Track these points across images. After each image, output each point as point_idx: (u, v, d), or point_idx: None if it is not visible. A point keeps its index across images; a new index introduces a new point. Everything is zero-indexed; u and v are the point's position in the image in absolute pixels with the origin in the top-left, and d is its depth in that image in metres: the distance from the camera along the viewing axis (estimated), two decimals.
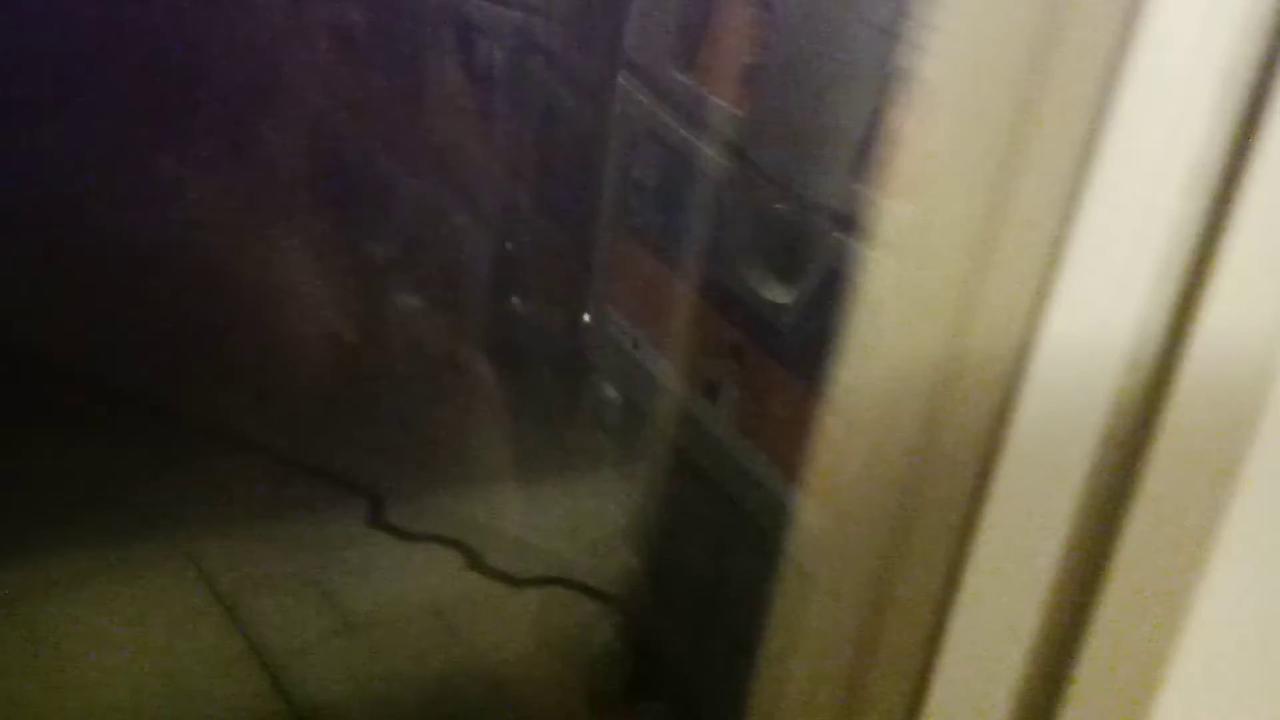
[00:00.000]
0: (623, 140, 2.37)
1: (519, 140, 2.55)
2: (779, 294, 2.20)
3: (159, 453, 3.02)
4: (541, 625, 2.90)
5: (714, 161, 2.26)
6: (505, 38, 2.47)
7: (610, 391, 2.48)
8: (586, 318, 2.41)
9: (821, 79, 2.19)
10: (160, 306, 3.14)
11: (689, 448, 2.30)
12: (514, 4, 2.45)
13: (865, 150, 2.11)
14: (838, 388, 0.99)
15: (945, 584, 0.90)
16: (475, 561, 3.02)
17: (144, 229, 3.18)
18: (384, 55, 2.77)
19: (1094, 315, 0.78)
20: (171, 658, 2.69)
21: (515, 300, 2.70)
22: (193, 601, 2.78)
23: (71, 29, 3.45)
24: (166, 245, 3.09)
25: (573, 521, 2.93)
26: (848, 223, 2.12)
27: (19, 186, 3.35)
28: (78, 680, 2.58)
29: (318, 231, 2.95)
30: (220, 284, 3.14)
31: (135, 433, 3.06)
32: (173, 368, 3.03)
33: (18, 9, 3.50)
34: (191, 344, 3.13)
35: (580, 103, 2.42)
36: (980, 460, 0.86)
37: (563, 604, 2.92)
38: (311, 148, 2.90)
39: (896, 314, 0.93)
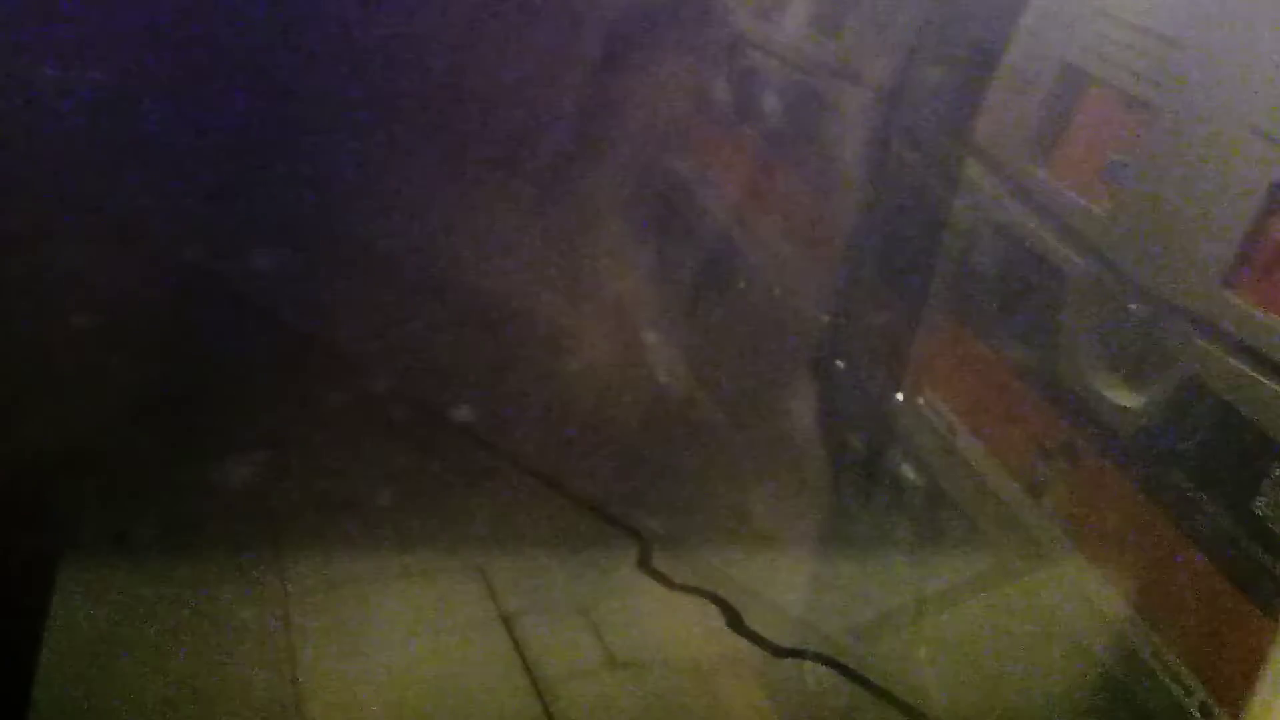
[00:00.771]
0: (964, 226, 2.36)
1: (859, 213, 2.59)
2: (1125, 397, 2.10)
3: (464, 471, 3.25)
4: (797, 700, 2.85)
5: (1062, 256, 2.21)
6: (854, 116, 2.54)
7: (913, 473, 2.44)
8: (900, 396, 2.40)
9: (1195, 181, 2.11)
10: (492, 345, 3.41)
11: (998, 542, 2.22)
12: (864, 83, 2.52)
13: (1241, 258, 2.00)
14: None
15: None
16: (735, 621, 3.03)
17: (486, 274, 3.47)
18: (737, 125, 2.91)
19: None
20: (450, 663, 2.83)
21: (839, 364, 2.71)
22: (476, 613, 2.95)
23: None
24: (505, 293, 3.34)
25: (848, 599, 2.88)
26: (1213, 330, 2.01)
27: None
28: (363, 670, 2.76)
29: (644, 288, 3.11)
30: (550, 332, 3.36)
31: (446, 450, 3.32)
32: (491, 398, 3.27)
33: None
34: (512, 378, 3.37)
35: (924, 185, 2.44)
36: None
37: (822, 682, 2.87)
38: (658, 210, 3.08)
39: None
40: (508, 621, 2.93)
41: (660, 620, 3.05)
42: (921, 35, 2.58)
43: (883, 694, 2.65)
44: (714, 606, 3.08)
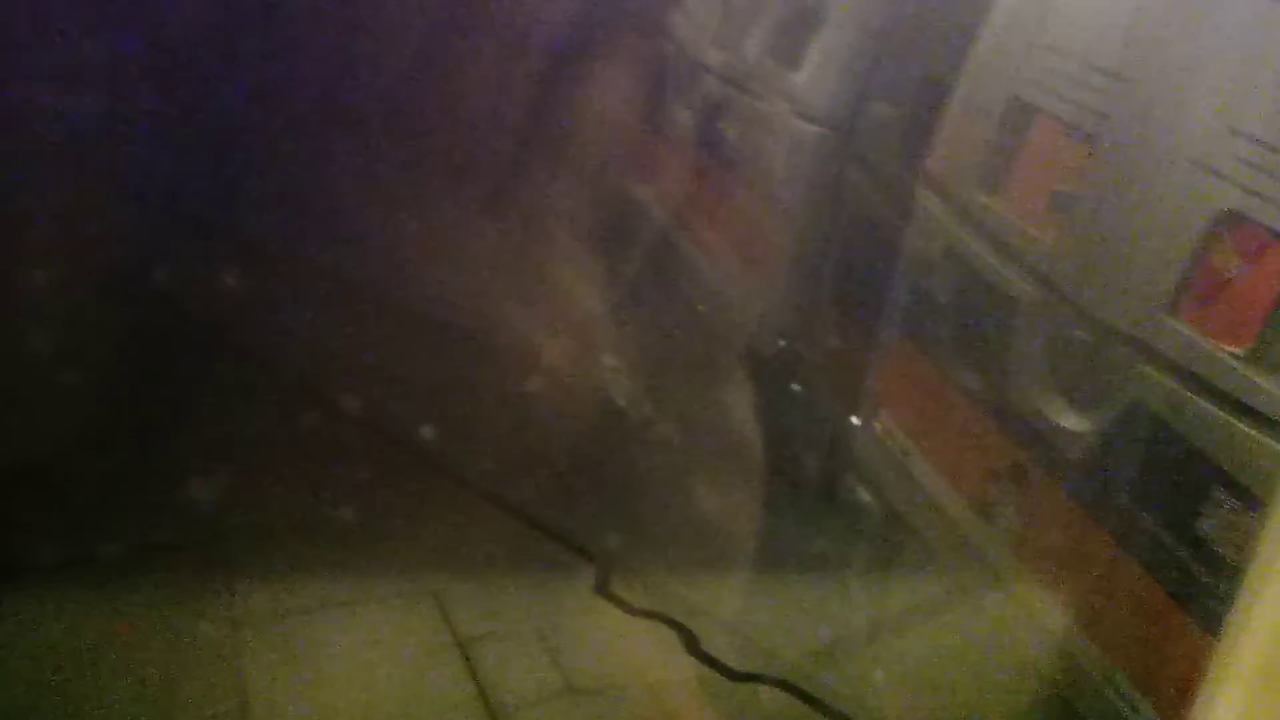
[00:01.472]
0: (916, 253, 2.41)
1: (814, 241, 2.64)
2: (1072, 420, 2.15)
3: (419, 494, 3.22)
4: None
5: (1011, 283, 2.26)
6: (808, 143, 2.59)
7: (867, 496, 2.47)
8: (855, 419, 2.43)
9: (1139, 211, 2.17)
10: (447, 366, 3.40)
11: (951, 564, 2.26)
12: (817, 120, 2.57)
13: (1182, 286, 2.07)
14: (1242, 618, 0.94)
15: None
16: (693, 645, 3.03)
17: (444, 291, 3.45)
18: (703, 151, 2.95)
19: None
20: (405, 690, 2.80)
21: (795, 388, 2.75)
22: (432, 640, 2.91)
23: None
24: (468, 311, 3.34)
25: (804, 623, 2.90)
26: (1156, 356, 2.07)
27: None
28: (320, 698, 2.72)
29: (599, 312, 3.13)
30: (506, 352, 3.35)
31: (401, 473, 3.29)
32: (445, 420, 3.25)
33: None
34: (466, 399, 3.36)
35: (877, 212, 2.49)
36: None
37: (778, 705, 2.87)
38: (622, 228, 3.11)
39: None
40: (463, 647, 2.90)
41: (617, 645, 3.03)
42: (875, 67, 2.65)
43: (839, 717, 2.67)
44: (671, 630, 3.07)
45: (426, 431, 3.38)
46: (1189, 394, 1.91)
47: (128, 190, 3.94)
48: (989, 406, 2.24)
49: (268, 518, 3.19)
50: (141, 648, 2.64)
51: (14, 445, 2.97)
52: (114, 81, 4.16)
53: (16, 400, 3.20)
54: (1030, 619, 2.07)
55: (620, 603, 3.15)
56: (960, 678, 2.24)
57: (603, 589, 3.18)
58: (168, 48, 4.08)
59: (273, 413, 3.41)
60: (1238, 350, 1.87)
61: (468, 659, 2.86)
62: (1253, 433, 1.76)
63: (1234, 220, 1.96)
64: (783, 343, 2.75)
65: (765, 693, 2.90)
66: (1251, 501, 1.74)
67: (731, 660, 2.98)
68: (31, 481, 2.97)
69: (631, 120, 3.19)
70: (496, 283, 3.62)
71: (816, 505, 2.73)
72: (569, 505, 3.24)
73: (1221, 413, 1.83)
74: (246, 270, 3.78)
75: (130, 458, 3.15)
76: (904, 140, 2.54)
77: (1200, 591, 1.77)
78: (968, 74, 2.46)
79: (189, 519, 3.08)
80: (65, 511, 3.02)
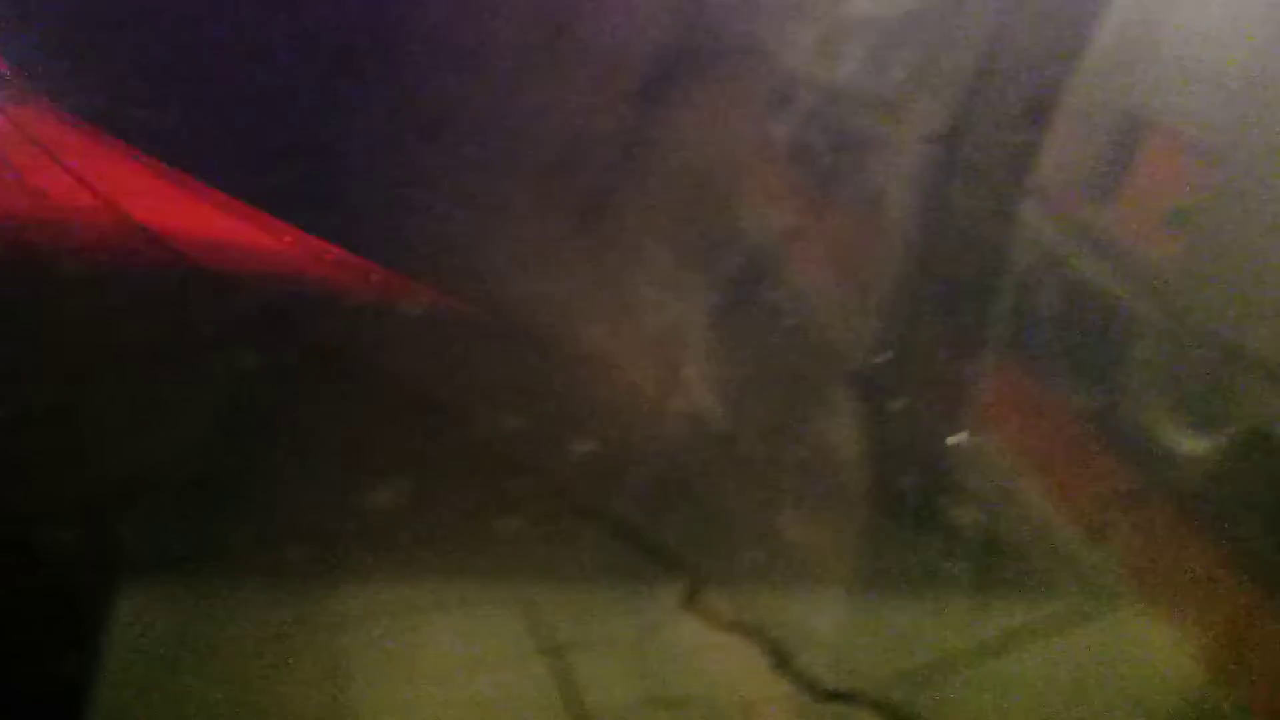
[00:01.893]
0: (1023, 267, 2.36)
1: (920, 253, 2.60)
2: (1190, 444, 2.08)
3: (510, 502, 3.26)
4: None
5: (1125, 300, 2.20)
6: (911, 156, 2.56)
7: (970, 516, 2.42)
8: (957, 438, 2.38)
9: (1262, 226, 2.09)
10: (539, 374, 3.45)
11: (1059, 588, 2.19)
12: (921, 124, 2.53)
13: None
14: None
15: None
16: (783, 661, 3.00)
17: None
18: (788, 163, 2.95)
19: None
20: (496, 693, 2.82)
21: (892, 405, 2.71)
22: (522, 646, 2.94)
23: None
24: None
25: (899, 644, 2.84)
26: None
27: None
28: (407, 699, 2.76)
29: (693, 321, 3.13)
30: (597, 361, 3.37)
31: (491, 480, 3.34)
32: (537, 427, 3.29)
33: None
34: (558, 407, 3.40)
35: (984, 227, 2.45)
36: None
37: None
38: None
39: None
40: (552, 654, 2.91)
41: (705, 658, 3.01)
42: (982, 77, 2.60)
43: None
44: (760, 646, 3.04)
45: (516, 440, 3.43)
46: None
47: None
48: (1103, 427, 2.17)
49: (363, 522, 3.27)
50: (243, 646, 2.74)
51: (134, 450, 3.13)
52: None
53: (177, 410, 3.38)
54: (1146, 648, 1.99)
55: (709, 616, 3.13)
56: (1070, 709, 2.16)
57: (692, 601, 3.17)
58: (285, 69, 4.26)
59: (374, 418, 3.50)
60: None
61: (556, 667, 2.88)
62: None
63: None
64: (884, 357, 2.70)
65: (855, 713, 2.85)
66: None
67: (823, 678, 2.94)
68: (144, 483, 3.12)
69: (734, 137, 3.20)
70: (588, 293, 3.66)
71: (915, 525, 2.67)
72: (660, 518, 3.23)
73: None
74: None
75: (238, 462, 3.28)
76: (1013, 152, 2.49)
77: None
78: (1079, 87, 2.41)
79: (287, 522, 3.19)
80: (173, 514, 3.16)
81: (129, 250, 4.49)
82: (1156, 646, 1.95)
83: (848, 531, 2.93)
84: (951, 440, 2.44)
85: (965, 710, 2.50)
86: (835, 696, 2.89)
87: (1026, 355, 2.37)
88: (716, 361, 3.29)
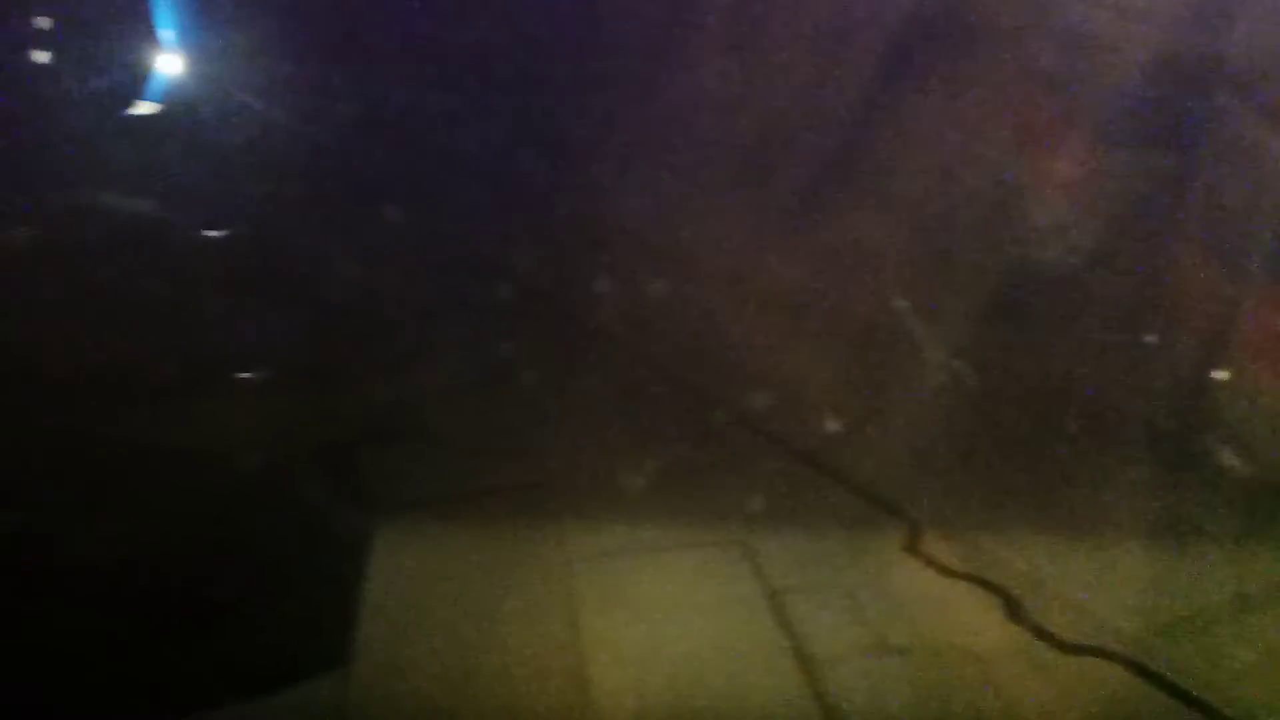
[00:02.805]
0: None
1: (1194, 183, 2.31)
2: None
3: (735, 452, 3.27)
4: (1089, 699, 2.64)
5: None
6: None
7: (1233, 459, 2.18)
8: (1219, 374, 2.14)
9: None
10: (769, 334, 3.45)
11: None
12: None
13: None
14: None
15: None
16: (1015, 611, 2.86)
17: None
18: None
19: None
20: (719, 633, 2.85)
21: (1148, 339, 2.46)
22: (743, 588, 2.96)
23: None
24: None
25: (1151, 595, 2.62)
26: None
27: None
28: (638, 636, 2.83)
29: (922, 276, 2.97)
30: (827, 318, 3.31)
31: (716, 431, 3.36)
32: (762, 384, 3.28)
33: None
34: (785, 363, 3.38)
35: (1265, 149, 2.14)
36: None
37: (1116, 681, 2.63)
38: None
39: None
40: (772, 597, 2.92)
41: (929, 605, 2.92)
42: None
43: (1194, 702, 2.39)
44: (989, 594, 2.91)
45: (741, 393, 3.42)
46: None
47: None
48: None
49: (592, 474, 3.40)
50: (485, 584, 2.92)
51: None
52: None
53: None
54: None
55: (932, 563, 3.03)
56: None
57: (914, 548, 3.08)
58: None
59: (604, 373, 3.64)
60: None
61: (778, 611, 2.88)
62: None
63: None
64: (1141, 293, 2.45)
65: (1102, 667, 2.68)
66: None
67: (1061, 630, 2.78)
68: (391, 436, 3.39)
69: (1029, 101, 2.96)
70: (824, 258, 3.57)
71: (1171, 467, 2.43)
72: (881, 464, 3.14)
73: None
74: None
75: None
76: None
77: None
78: None
79: (519, 476, 3.37)
80: (418, 465, 3.43)
81: None
82: None
83: (1095, 476, 2.72)
84: (1216, 375, 2.19)
85: (1228, 668, 2.28)
86: (1078, 650, 2.73)
87: None
88: (948, 303, 3.11)
